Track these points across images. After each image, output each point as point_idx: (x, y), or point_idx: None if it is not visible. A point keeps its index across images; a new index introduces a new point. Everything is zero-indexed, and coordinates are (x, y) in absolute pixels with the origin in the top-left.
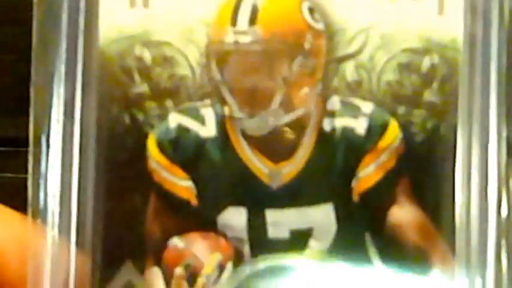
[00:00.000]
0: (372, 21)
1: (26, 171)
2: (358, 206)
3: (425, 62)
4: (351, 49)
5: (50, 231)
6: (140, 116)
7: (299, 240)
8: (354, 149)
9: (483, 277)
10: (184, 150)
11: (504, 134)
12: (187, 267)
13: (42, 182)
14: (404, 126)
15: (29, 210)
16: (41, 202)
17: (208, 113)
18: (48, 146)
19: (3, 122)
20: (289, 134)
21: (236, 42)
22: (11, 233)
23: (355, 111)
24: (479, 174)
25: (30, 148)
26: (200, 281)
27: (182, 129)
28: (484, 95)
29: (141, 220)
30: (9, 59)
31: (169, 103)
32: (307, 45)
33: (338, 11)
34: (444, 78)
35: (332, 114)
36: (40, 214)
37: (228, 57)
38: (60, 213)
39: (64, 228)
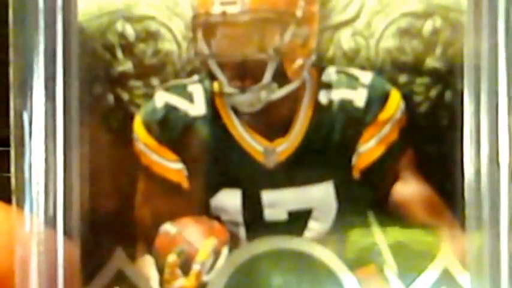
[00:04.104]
0: None
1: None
2: (360, 183)
3: (427, 26)
4: (347, 15)
5: (35, 219)
6: (125, 96)
7: (298, 221)
8: (353, 122)
9: (496, 253)
10: (172, 131)
11: None
12: (180, 254)
13: (25, 167)
14: (407, 96)
15: (13, 197)
16: (26, 189)
17: (197, 90)
18: (30, 130)
19: (3, 122)
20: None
21: (223, 13)
22: None
23: (353, 82)
24: (489, 142)
25: (12, 132)
26: (195, 268)
27: (170, 108)
28: (492, 58)
29: (130, 206)
30: (6, 58)
31: (155, 81)
32: (299, 13)
33: None
34: (448, 42)
35: (328, 86)
36: (25, 202)
37: (216, 29)
38: (46, 200)
39: (50, 216)
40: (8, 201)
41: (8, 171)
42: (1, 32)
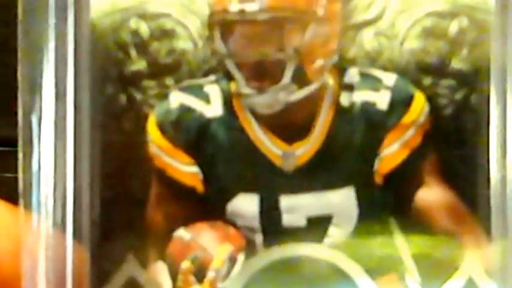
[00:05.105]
0: None
1: None
2: (382, 188)
3: (453, 26)
4: (370, 14)
5: (44, 223)
6: (138, 96)
7: (317, 228)
8: (376, 125)
9: None
10: (187, 132)
11: None
12: (194, 260)
13: (34, 169)
14: (431, 99)
15: (21, 200)
16: (34, 191)
17: (213, 91)
18: (39, 130)
19: (3, 122)
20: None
21: (242, 11)
22: (1, 225)
23: (375, 84)
24: None
25: (20, 133)
26: (209, 275)
27: (185, 109)
28: None
29: (142, 210)
30: (7, 59)
31: (169, 81)
32: (320, 11)
33: None
34: (474, 43)
35: (350, 88)
36: (33, 204)
37: (234, 27)
38: (55, 203)
39: (59, 219)
40: (8, 201)
41: (8, 171)
42: (1, 32)
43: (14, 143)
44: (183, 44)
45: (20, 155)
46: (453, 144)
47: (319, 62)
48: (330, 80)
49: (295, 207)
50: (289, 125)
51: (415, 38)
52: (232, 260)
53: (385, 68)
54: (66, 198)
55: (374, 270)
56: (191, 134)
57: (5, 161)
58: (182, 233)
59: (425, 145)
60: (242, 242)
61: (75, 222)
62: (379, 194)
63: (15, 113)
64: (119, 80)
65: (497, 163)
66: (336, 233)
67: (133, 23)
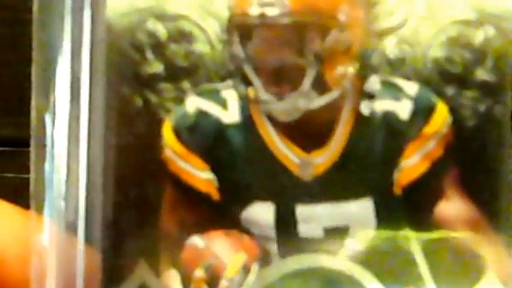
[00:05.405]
0: None
1: (27, 172)
2: (401, 200)
3: (478, 35)
4: (393, 21)
5: (55, 226)
6: (154, 99)
7: (334, 238)
8: (396, 135)
9: None
10: (203, 138)
11: None
12: (208, 268)
13: (46, 171)
14: (454, 110)
15: (32, 202)
16: (46, 194)
17: (231, 96)
18: (52, 132)
19: (3, 122)
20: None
21: (262, 15)
22: (10, 229)
23: (397, 93)
24: None
25: (33, 134)
26: (223, 284)
27: (201, 114)
28: None
29: (155, 216)
30: (9, 58)
31: (186, 84)
32: (342, 17)
33: None
34: (500, 53)
35: (371, 96)
36: (44, 207)
37: (253, 31)
38: (67, 206)
39: (71, 222)
40: (8, 201)
41: (9, 171)
42: (3, 33)
43: (14, 143)
44: (200, 47)
45: (33, 157)
46: (476, 157)
47: (340, 69)
48: (351, 88)
49: (312, 217)
50: (307, 132)
51: (439, 46)
52: (246, 270)
53: (407, 77)
54: (79, 201)
55: (391, 284)
56: (207, 140)
57: (5, 161)
58: (196, 241)
59: (446, 157)
60: (257, 251)
61: (87, 226)
62: (398, 205)
63: (16, 113)
64: (134, 82)
65: None
66: (352, 244)
67: (150, 24)
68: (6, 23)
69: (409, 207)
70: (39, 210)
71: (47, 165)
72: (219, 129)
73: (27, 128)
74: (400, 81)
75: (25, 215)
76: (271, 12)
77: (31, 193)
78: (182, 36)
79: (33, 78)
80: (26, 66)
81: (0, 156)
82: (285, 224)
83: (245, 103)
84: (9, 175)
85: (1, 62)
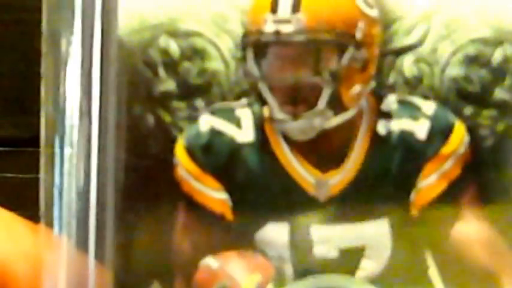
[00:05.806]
0: (434, 7)
1: (27, 172)
2: (418, 221)
3: (497, 54)
4: (410, 39)
5: (66, 244)
6: (166, 118)
7: (349, 260)
8: (413, 155)
9: None
10: (217, 157)
11: None
12: None
13: (56, 188)
14: (472, 129)
15: (42, 220)
16: (56, 211)
17: (245, 114)
18: (62, 150)
19: (3, 122)
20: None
21: (277, 32)
22: (21, 246)
23: (414, 112)
24: None
25: (42, 152)
26: None
27: (215, 133)
28: None
29: (168, 236)
30: (9, 59)
31: (199, 103)
32: (358, 35)
33: None
34: None
35: (388, 116)
36: (55, 225)
37: (268, 49)
38: (78, 224)
39: (82, 240)
40: (8, 201)
41: (9, 171)
42: (3, 33)
43: (14, 143)
44: (214, 64)
45: (42, 175)
46: (493, 178)
47: (356, 88)
48: (367, 107)
49: (327, 238)
50: (323, 152)
51: (457, 65)
52: None
53: (425, 96)
54: (89, 219)
55: None
56: (221, 159)
57: (5, 161)
58: (210, 261)
59: (464, 177)
60: (271, 271)
61: (97, 244)
62: (415, 226)
63: (16, 113)
64: (146, 100)
65: None
66: (368, 265)
67: (162, 41)
68: (6, 23)
69: (425, 228)
70: (49, 228)
71: (56, 184)
72: (233, 149)
73: (27, 128)
74: (418, 100)
75: (36, 232)
76: (286, 29)
77: (41, 211)
78: (195, 54)
79: (42, 96)
80: (26, 66)
81: (0, 156)
82: (300, 244)
83: (260, 122)
84: (9, 175)
85: (1, 62)
